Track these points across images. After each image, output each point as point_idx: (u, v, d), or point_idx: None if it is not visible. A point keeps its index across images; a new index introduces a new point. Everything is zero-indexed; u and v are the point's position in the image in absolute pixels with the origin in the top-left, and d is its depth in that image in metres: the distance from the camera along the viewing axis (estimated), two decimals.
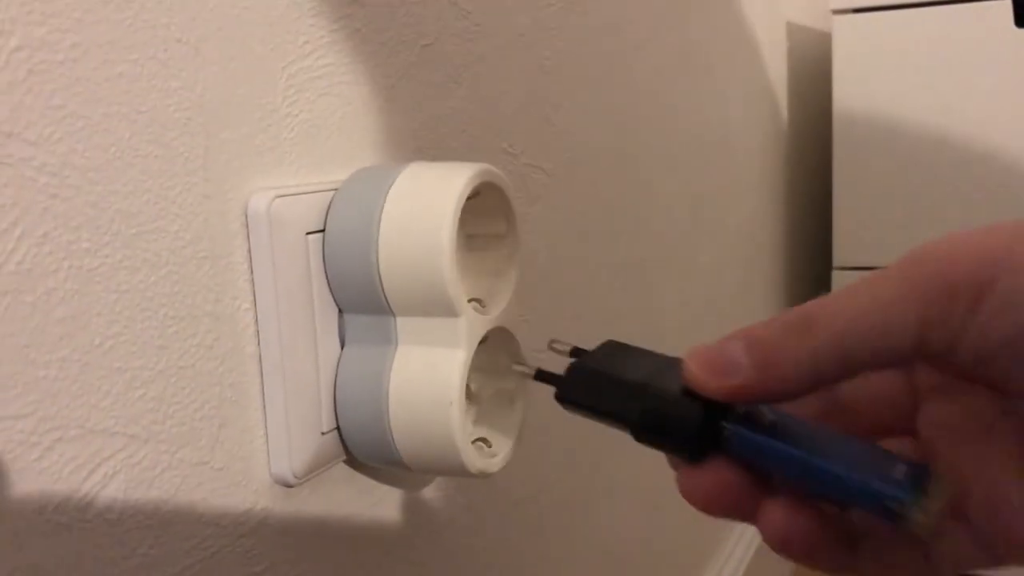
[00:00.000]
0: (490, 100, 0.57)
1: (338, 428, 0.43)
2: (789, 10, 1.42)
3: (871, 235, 1.41)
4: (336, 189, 0.42)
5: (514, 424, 0.45)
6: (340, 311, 0.42)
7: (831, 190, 1.43)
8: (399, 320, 0.41)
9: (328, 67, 0.43)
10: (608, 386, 0.32)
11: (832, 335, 0.26)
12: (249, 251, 0.39)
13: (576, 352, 0.35)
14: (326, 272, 0.41)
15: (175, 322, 0.36)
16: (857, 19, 1.37)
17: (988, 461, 0.27)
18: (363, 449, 0.43)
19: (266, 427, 0.41)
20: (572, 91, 0.69)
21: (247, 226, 0.39)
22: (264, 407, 0.41)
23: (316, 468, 0.42)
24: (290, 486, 0.42)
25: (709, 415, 0.28)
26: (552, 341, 0.36)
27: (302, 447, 0.41)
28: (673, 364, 0.31)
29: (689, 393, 0.29)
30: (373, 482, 0.48)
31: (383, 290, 0.40)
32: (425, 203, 0.39)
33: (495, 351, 0.44)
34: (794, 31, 1.45)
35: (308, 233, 0.40)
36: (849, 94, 1.38)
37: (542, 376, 0.35)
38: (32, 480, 0.31)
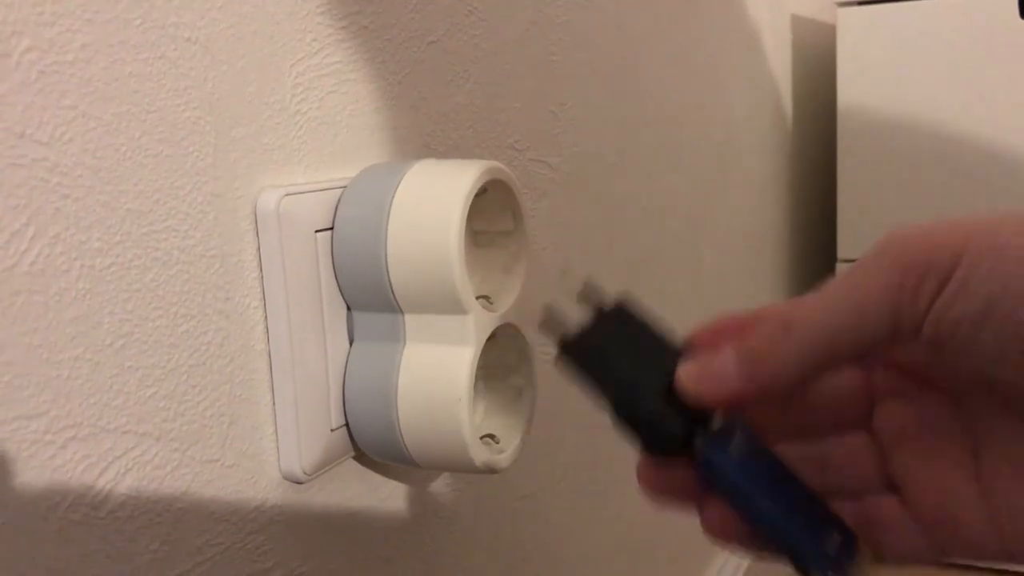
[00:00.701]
0: (496, 96, 0.57)
1: (347, 425, 0.43)
2: (793, 3, 1.42)
3: (875, 229, 1.41)
4: (344, 186, 0.42)
5: (522, 420, 0.45)
6: (349, 308, 0.42)
7: (835, 183, 1.43)
8: (407, 317, 0.41)
9: (336, 65, 0.43)
10: (604, 366, 0.33)
11: (812, 332, 0.28)
12: (258, 249, 0.39)
13: (586, 294, 0.35)
14: (335, 270, 0.41)
15: (186, 320, 0.36)
16: (862, 11, 1.37)
17: (937, 460, 0.29)
18: (372, 445, 0.43)
19: (276, 424, 0.41)
20: (577, 87, 0.69)
21: (256, 224, 0.39)
22: (274, 404, 0.41)
23: (325, 464, 0.42)
24: (300, 482, 0.42)
25: (685, 426, 0.30)
26: (584, 287, 0.36)
27: (311, 444, 0.41)
28: (671, 354, 0.31)
29: (674, 401, 0.30)
30: (382, 478, 0.48)
31: (391, 288, 0.40)
32: (433, 201, 0.39)
33: (503, 347, 0.44)
34: (798, 24, 1.45)
35: (317, 231, 0.41)
36: (853, 87, 1.38)
37: (547, 328, 0.35)
38: (46, 478, 0.31)
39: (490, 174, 0.41)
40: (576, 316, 0.33)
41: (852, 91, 1.38)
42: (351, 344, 0.43)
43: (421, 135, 0.50)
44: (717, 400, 0.29)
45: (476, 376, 0.41)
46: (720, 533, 0.30)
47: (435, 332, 0.40)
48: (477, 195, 0.40)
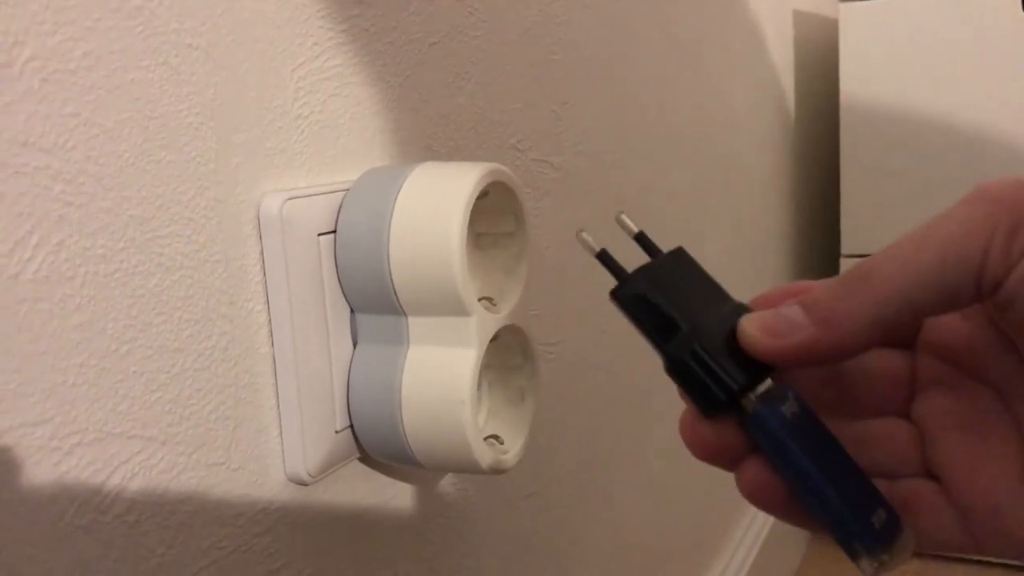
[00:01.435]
0: (498, 96, 0.57)
1: (351, 427, 0.43)
2: None
3: (878, 223, 1.41)
4: (347, 190, 0.42)
5: (525, 420, 0.46)
6: (352, 311, 0.43)
7: (838, 178, 1.43)
8: (411, 319, 0.41)
9: (337, 68, 0.43)
10: (663, 308, 0.31)
11: (893, 283, 0.26)
12: (262, 253, 0.40)
13: (642, 238, 0.34)
14: (338, 273, 0.41)
15: (190, 325, 0.36)
16: (864, 6, 1.36)
17: (982, 450, 0.28)
18: (376, 447, 0.43)
19: (280, 427, 0.41)
20: (579, 86, 0.69)
21: (259, 228, 0.39)
22: (278, 407, 0.41)
23: (330, 466, 0.42)
24: (305, 484, 0.42)
25: (742, 380, 0.28)
26: (621, 213, 0.35)
27: (316, 446, 0.41)
28: (731, 308, 0.30)
29: (733, 352, 0.29)
30: (386, 479, 0.48)
31: (394, 291, 0.40)
32: (435, 204, 0.39)
33: (506, 348, 0.44)
34: (801, 19, 1.45)
35: (320, 234, 0.41)
36: (856, 82, 1.38)
37: (606, 260, 0.34)
38: (52, 484, 0.31)
39: (492, 176, 0.41)
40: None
41: (854, 86, 1.38)
42: (355, 346, 0.43)
43: (423, 137, 0.50)
44: (783, 351, 0.28)
45: (479, 377, 0.41)
46: (757, 495, 0.29)
47: (438, 334, 0.40)
48: (479, 197, 0.40)
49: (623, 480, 0.83)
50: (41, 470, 0.31)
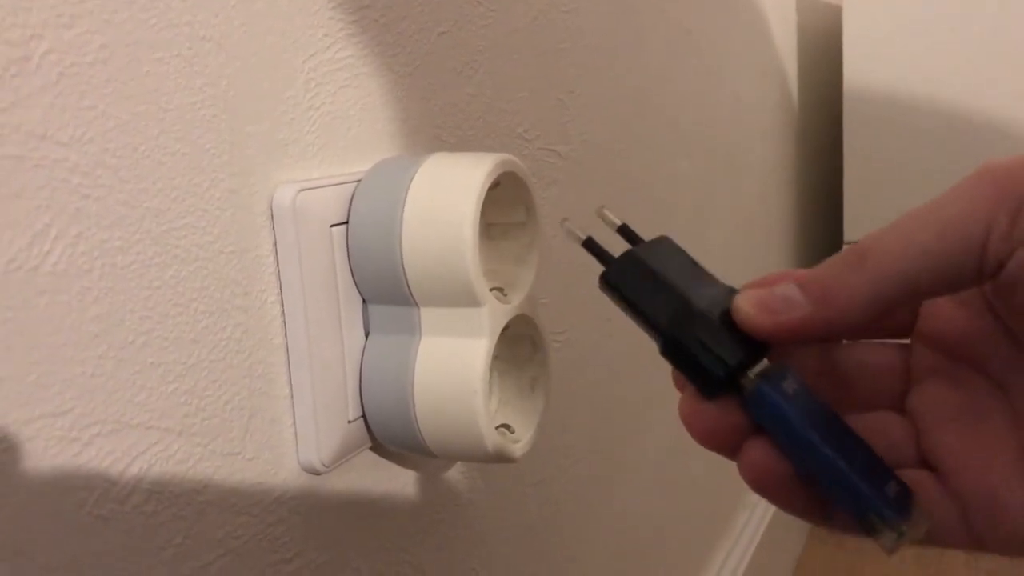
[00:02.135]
0: (505, 85, 0.58)
1: (364, 416, 0.43)
2: None
3: (881, 211, 1.41)
4: (359, 181, 0.42)
5: (536, 410, 0.46)
6: (364, 301, 0.43)
7: (841, 166, 1.43)
8: (423, 310, 0.41)
9: (348, 59, 0.43)
10: (655, 290, 0.31)
11: (893, 260, 0.26)
12: (275, 244, 0.40)
13: (625, 230, 0.33)
14: (350, 263, 0.42)
15: (205, 316, 0.37)
16: None
17: (980, 442, 0.28)
18: (389, 436, 0.43)
19: (294, 416, 0.41)
20: (585, 75, 0.69)
21: (272, 219, 0.40)
22: (292, 397, 0.41)
23: (343, 455, 0.43)
24: (318, 473, 0.42)
25: (739, 356, 0.28)
26: (602, 207, 0.34)
27: (329, 435, 0.42)
28: (722, 290, 0.30)
29: (729, 331, 0.28)
30: (398, 467, 0.49)
31: (407, 281, 0.40)
32: (447, 195, 0.39)
33: (517, 338, 0.45)
34: (804, 6, 1.44)
35: (332, 225, 0.41)
36: (860, 69, 1.37)
37: (591, 247, 0.33)
38: (72, 475, 0.31)
39: (503, 167, 0.41)
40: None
41: (858, 73, 1.38)
42: (367, 337, 0.43)
43: (432, 127, 0.50)
44: (779, 328, 0.27)
45: (491, 367, 0.41)
46: (760, 480, 0.28)
47: (450, 324, 0.41)
48: (490, 188, 0.40)
49: (629, 467, 0.83)
50: (61, 461, 0.31)
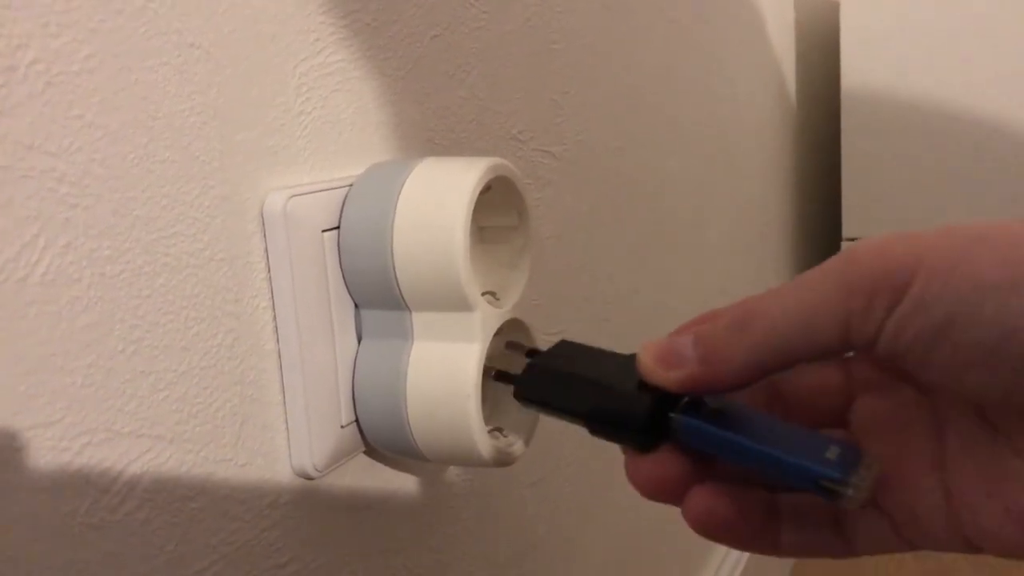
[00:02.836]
0: (499, 87, 0.57)
1: (357, 421, 0.43)
2: None
3: (879, 208, 1.40)
4: (350, 185, 0.42)
5: (530, 414, 0.46)
6: (356, 306, 0.43)
7: (839, 162, 1.42)
8: (415, 315, 0.41)
9: (339, 63, 0.43)
10: (562, 383, 0.34)
11: (768, 331, 0.28)
12: (266, 250, 0.40)
13: (532, 353, 0.38)
14: (342, 269, 0.42)
15: (196, 323, 0.37)
16: None
17: (904, 453, 0.30)
18: (382, 441, 0.43)
19: (287, 422, 0.41)
20: (579, 75, 0.69)
21: (264, 226, 0.40)
22: (284, 403, 0.41)
23: (336, 460, 0.43)
24: (311, 478, 0.42)
25: (658, 408, 0.31)
26: (509, 342, 0.39)
27: (322, 440, 0.42)
28: (628, 361, 0.33)
29: (642, 387, 0.31)
30: (392, 471, 0.49)
31: (398, 287, 0.40)
32: (438, 200, 0.39)
33: (510, 339, 0.45)
34: (801, 2, 1.44)
35: (324, 230, 0.41)
36: (857, 65, 1.37)
37: (500, 376, 0.38)
38: (63, 485, 0.31)
39: (494, 171, 0.41)
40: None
41: (856, 70, 1.37)
42: (359, 342, 0.43)
43: (425, 130, 0.50)
44: (674, 380, 0.30)
45: (483, 371, 0.41)
46: (703, 522, 0.30)
47: (442, 329, 0.41)
48: (482, 191, 0.40)
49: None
50: (52, 471, 0.31)
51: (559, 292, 0.67)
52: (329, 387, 0.42)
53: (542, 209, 0.64)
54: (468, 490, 0.56)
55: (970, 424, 0.29)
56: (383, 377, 0.42)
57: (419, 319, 0.41)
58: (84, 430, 0.32)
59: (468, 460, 0.42)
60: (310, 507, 0.43)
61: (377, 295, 0.41)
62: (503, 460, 0.43)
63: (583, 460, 0.73)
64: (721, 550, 1.15)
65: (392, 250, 0.40)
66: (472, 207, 0.39)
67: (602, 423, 0.32)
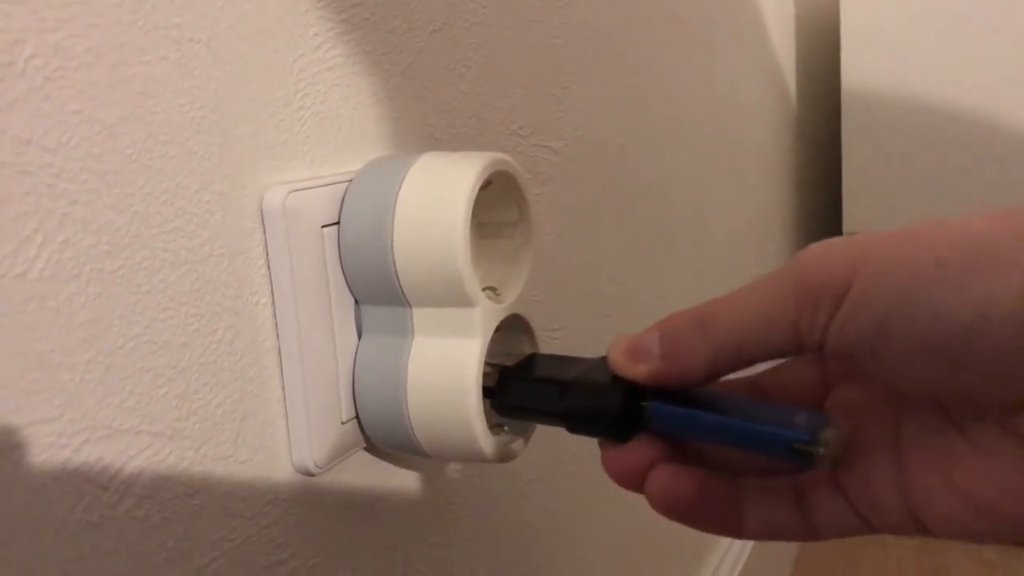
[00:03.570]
0: (499, 82, 0.57)
1: (357, 417, 0.43)
2: None
3: (880, 204, 1.40)
4: (350, 181, 0.42)
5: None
6: (356, 302, 0.43)
7: (840, 158, 1.42)
8: (415, 311, 0.41)
9: (338, 58, 0.43)
10: (538, 388, 0.37)
11: (727, 332, 0.30)
12: (265, 246, 0.40)
13: (504, 368, 0.40)
14: (342, 264, 0.41)
15: (196, 320, 0.36)
16: None
17: (867, 437, 0.31)
18: (382, 437, 0.43)
19: (287, 418, 0.41)
20: (580, 69, 0.69)
21: (263, 221, 0.39)
22: (284, 399, 0.41)
23: (337, 457, 0.43)
24: (312, 475, 0.42)
25: (630, 399, 0.32)
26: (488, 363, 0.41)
27: (322, 437, 0.42)
28: (597, 362, 0.34)
29: (614, 382, 0.33)
30: (393, 467, 0.48)
31: (399, 282, 0.40)
32: (438, 196, 0.39)
33: (510, 337, 0.44)
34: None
35: (323, 226, 0.41)
36: (858, 61, 1.37)
37: (485, 393, 0.40)
38: (62, 482, 0.31)
39: (495, 166, 0.41)
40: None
41: (856, 65, 1.37)
42: (360, 337, 0.43)
43: (425, 125, 0.50)
44: (640, 373, 0.32)
45: (484, 367, 0.41)
46: (666, 500, 0.31)
47: (443, 325, 0.40)
48: (482, 187, 0.40)
49: None
50: (51, 468, 0.31)
51: (560, 288, 0.67)
52: (329, 383, 0.42)
53: (542, 204, 0.64)
54: (469, 486, 0.56)
55: (926, 412, 0.30)
56: (383, 373, 0.42)
57: (419, 315, 0.41)
58: (83, 427, 0.32)
59: (469, 456, 0.42)
60: (310, 504, 0.43)
61: (377, 291, 0.41)
62: (504, 456, 0.42)
63: (584, 456, 0.73)
64: (721, 548, 1.15)
65: (392, 246, 0.40)
66: (472, 203, 0.39)
67: (579, 419, 0.34)
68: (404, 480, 0.50)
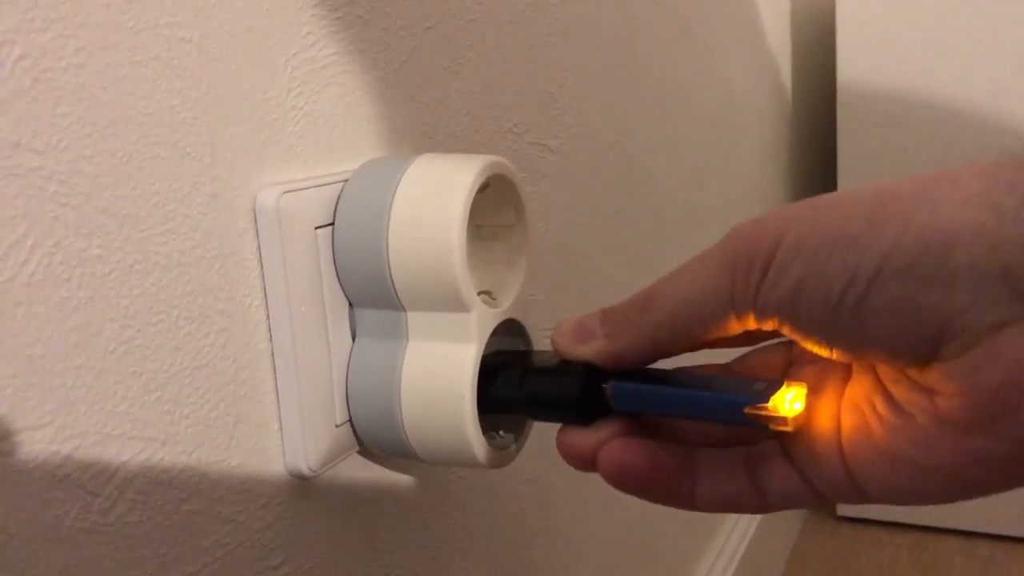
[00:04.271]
0: (494, 80, 0.57)
1: (351, 420, 0.43)
2: None
3: None
4: (344, 181, 0.42)
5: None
6: (351, 305, 0.42)
7: (835, 153, 1.42)
8: (410, 314, 0.41)
9: (331, 57, 0.43)
10: (499, 380, 0.38)
11: (666, 307, 0.31)
12: (259, 248, 0.39)
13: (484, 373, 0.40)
14: (336, 267, 0.41)
15: (188, 323, 0.36)
16: None
17: (814, 412, 0.32)
18: (376, 441, 0.43)
19: (280, 422, 0.41)
20: (575, 67, 0.69)
21: (256, 223, 0.39)
22: (278, 402, 0.41)
23: (330, 460, 0.42)
24: (305, 478, 0.42)
25: (589, 382, 0.33)
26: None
27: (316, 440, 0.41)
28: (552, 352, 0.35)
29: (562, 365, 0.34)
30: (386, 470, 0.48)
31: (393, 285, 0.40)
32: (434, 199, 0.39)
33: (506, 340, 0.44)
34: None
35: (317, 227, 0.40)
36: (853, 57, 1.37)
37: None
38: (53, 488, 0.31)
39: (492, 169, 0.40)
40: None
41: (852, 61, 1.37)
42: (353, 341, 0.43)
43: (419, 124, 0.50)
44: (583, 353, 0.33)
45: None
46: (617, 472, 0.32)
47: (438, 329, 0.40)
48: (479, 190, 0.40)
49: None
50: (42, 474, 0.31)
51: (555, 287, 0.67)
52: (323, 386, 0.41)
53: (538, 202, 0.63)
54: (464, 488, 0.56)
55: (863, 377, 0.31)
56: (377, 377, 0.41)
57: (414, 318, 0.41)
58: (74, 432, 0.32)
59: (463, 461, 0.42)
60: (304, 507, 0.42)
61: (372, 294, 0.41)
62: (499, 462, 0.42)
63: None
64: (716, 546, 1.16)
65: (387, 248, 0.39)
66: (469, 207, 0.39)
67: (541, 404, 0.35)
68: (399, 482, 0.49)
